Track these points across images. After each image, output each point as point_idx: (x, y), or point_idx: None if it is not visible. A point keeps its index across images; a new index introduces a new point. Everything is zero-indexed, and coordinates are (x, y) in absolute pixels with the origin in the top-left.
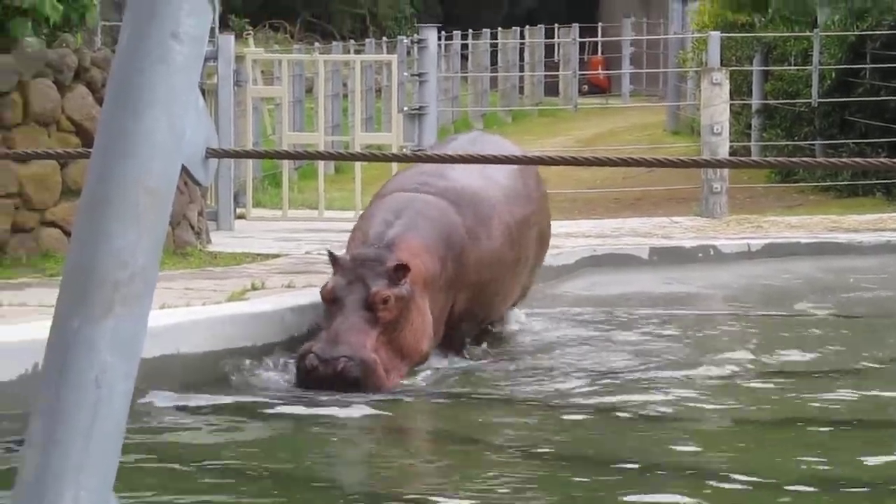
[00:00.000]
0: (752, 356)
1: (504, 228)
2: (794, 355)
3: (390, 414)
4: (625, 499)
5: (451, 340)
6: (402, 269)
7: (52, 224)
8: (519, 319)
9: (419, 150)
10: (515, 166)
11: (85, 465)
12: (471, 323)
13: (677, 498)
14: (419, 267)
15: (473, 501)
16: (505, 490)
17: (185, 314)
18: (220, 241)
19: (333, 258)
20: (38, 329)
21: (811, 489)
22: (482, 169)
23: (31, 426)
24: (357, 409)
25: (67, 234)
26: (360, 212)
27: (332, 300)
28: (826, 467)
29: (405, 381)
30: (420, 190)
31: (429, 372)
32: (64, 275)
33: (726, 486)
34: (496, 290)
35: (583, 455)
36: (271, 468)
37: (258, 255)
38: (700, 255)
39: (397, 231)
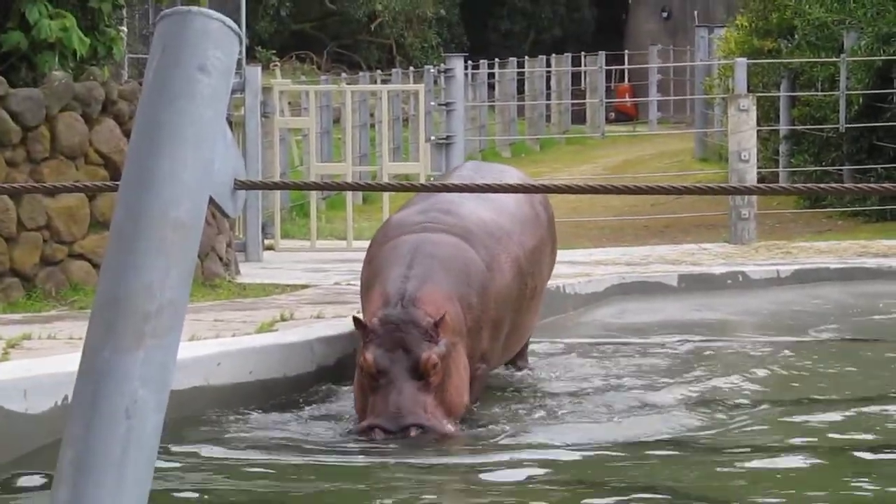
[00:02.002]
0: (783, 382)
1: (516, 260)
2: (825, 381)
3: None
4: None
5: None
6: (440, 324)
7: (81, 257)
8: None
9: (445, 181)
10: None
11: (116, 496)
12: (489, 364)
13: None
14: (445, 319)
15: None
16: None
17: (216, 346)
18: (249, 273)
19: (361, 325)
20: (68, 362)
21: None
22: (488, 198)
23: (61, 458)
24: None
25: (96, 266)
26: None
27: (377, 372)
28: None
29: None
30: (427, 229)
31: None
32: (94, 307)
33: None
34: (514, 326)
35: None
36: None
37: (287, 285)
38: (729, 281)
39: (415, 284)
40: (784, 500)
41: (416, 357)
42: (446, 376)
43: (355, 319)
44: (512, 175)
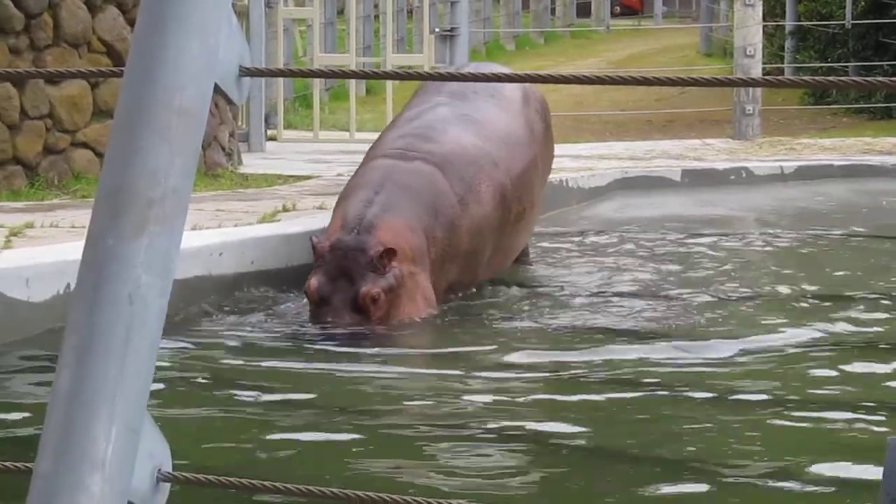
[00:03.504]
0: (788, 280)
1: (499, 188)
2: (827, 277)
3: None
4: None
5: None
6: (387, 255)
7: (84, 145)
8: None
9: (451, 69)
10: (517, 104)
11: (119, 381)
12: (467, 286)
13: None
14: (404, 247)
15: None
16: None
17: (218, 235)
18: (252, 163)
19: (313, 247)
20: (71, 249)
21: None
22: (475, 117)
23: (64, 343)
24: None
25: (99, 155)
26: None
27: (318, 300)
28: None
29: None
30: (403, 156)
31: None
32: (98, 194)
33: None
34: (498, 249)
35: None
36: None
37: (289, 176)
38: (732, 177)
39: (376, 211)
40: (771, 388)
41: (357, 289)
42: (394, 308)
43: (311, 241)
44: None
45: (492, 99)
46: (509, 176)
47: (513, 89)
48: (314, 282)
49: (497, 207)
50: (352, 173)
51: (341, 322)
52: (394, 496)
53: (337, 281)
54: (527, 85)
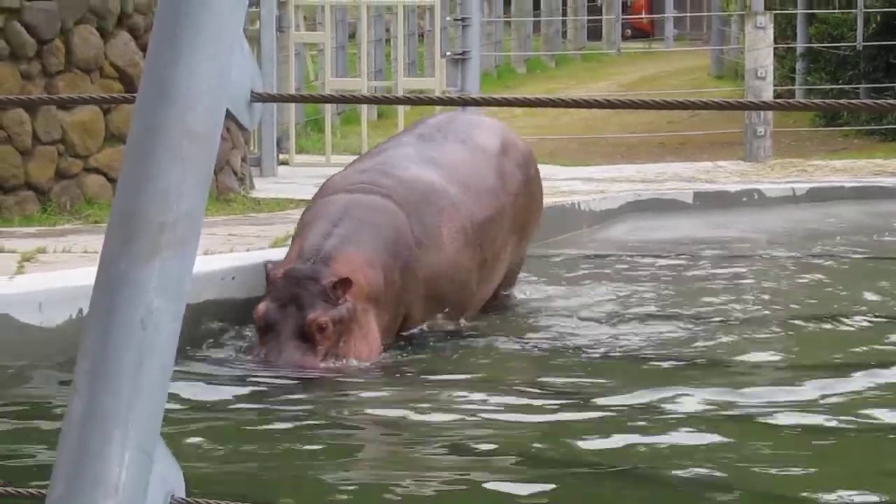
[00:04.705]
0: (800, 302)
1: (460, 231)
2: (840, 299)
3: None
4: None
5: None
6: (341, 286)
7: (96, 171)
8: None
9: (462, 94)
10: (490, 151)
11: (132, 406)
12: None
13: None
14: (360, 282)
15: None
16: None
17: (230, 260)
18: (264, 187)
19: (267, 274)
20: (83, 275)
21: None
22: (440, 160)
23: (77, 369)
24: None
25: (111, 180)
26: None
27: (264, 326)
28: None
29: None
30: (363, 189)
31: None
32: (110, 218)
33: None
34: (458, 299)
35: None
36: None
37: (301, 200)
38: (744, 199)
39: (334, 242)
40: (794, 410)
41: (304, 316)
42: (343, 342)
43: (265, 268)
44: (487, 128)
45: (461, 144)
46: (471, 221)
47: (489, 137)
48: (262, 307)
49: (458, 251)
50: None
51: (285, 349)
52: None
53: (286, 308)
54: (510, 136)
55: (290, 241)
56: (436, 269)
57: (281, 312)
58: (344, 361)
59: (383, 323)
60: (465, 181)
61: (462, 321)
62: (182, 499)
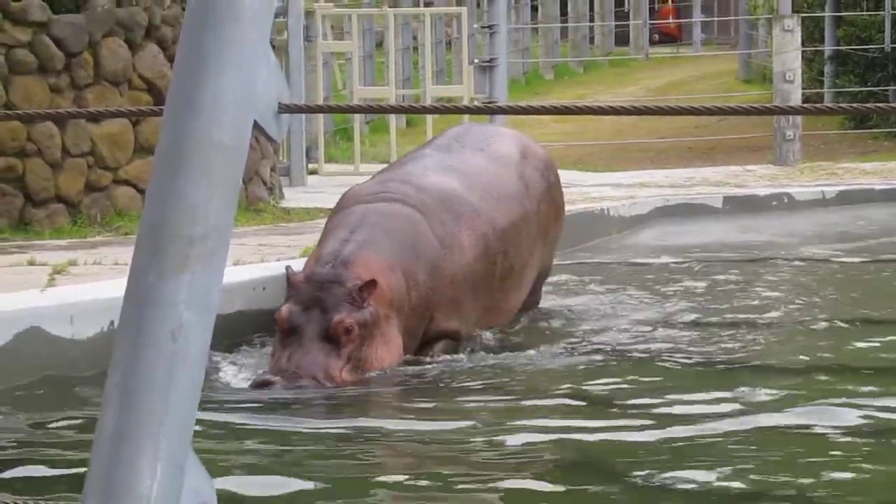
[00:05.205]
0: (834, 305)
1: (481, 238)
2: (872, 302)
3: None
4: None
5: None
6: (367, 289)
7: (126, 182)
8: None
9: (490, 101)
10: (510, 159)
11: (164, 419)
12: (451, 342)
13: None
14: (381, 286)
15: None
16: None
17: (261, 270)
18: (293, 197)
19: (288, 278)
20: (114, 287)
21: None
22: (459, 168)
23: (108, 382)
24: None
25: (140, 192)
26: None
27: (288, 329)
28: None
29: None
30: (381, 199)
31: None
32: (139, 232)
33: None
34: (488, 308)
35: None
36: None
37: (331, 209)
38: (774, 203)
39: (352, 248)
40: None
41: (330, 318)
42: (366, 346)
43: (287, 272)
44: (505, 136)
45: (480, 152)
46: (493, 227)
47: (508, 145)
48: (285, 310)
49: (480, 258)
50: None
51: (308, 352)
52: None
53: (310, 310)
54: (528, 143)
55: None
56: (458, 272)
57: (305, 315)
58: (366, 366)
59: (408, 327)
60: (486, 188)
61: (488, 333)
62: None
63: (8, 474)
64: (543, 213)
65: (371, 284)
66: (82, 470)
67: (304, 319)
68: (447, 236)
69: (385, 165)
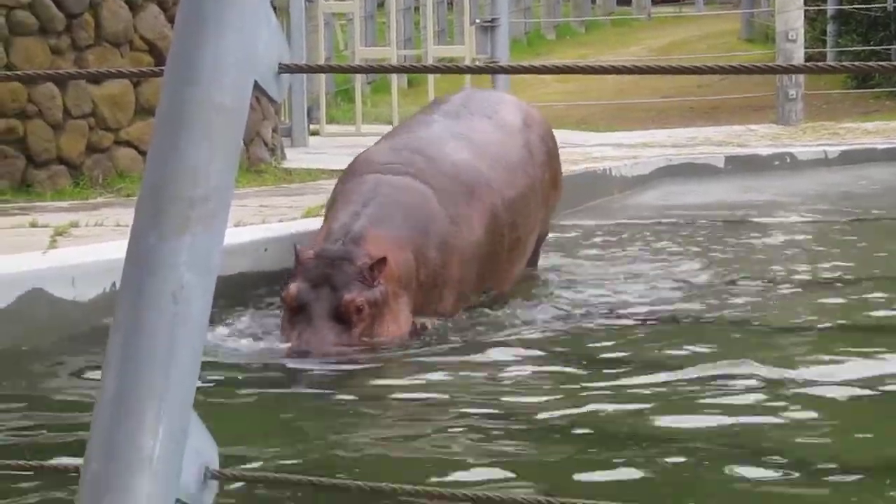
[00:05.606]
0: (837, 265)
1: (491, 211)
2: (876, 262)
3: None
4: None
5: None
6: (377, 266)
7: (127, 144)
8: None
9: (492, 61)
10: (515, 126)
11: (166, 380)
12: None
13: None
14: (390, 264)
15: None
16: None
17: (263, 231)
18: (295, 158)
19: (296, 255)
20: (116, 248)
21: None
22: (471, 137)
23: (109, 344)
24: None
25: (142, 153)
26: None
27: (296, 307)
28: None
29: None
30: (394, 170)
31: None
32: (140, 193)
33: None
34: (490, 279)
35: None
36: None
37: (333, 170)
38: (776, 162)
39: (364, 223)
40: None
41: (340, 297)
42: (376, 325)
43: (295, 249)
44: (508, 103)
45: (488, 120)
46: (503, 199)
47: (512, 112)
48: (293, 288)
49: (488, 233)
50: None
51: (319, 331)
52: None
53: (320, 288)
54: (529, 109)
55: (322, 212)
56: (467, 249)
57: (314, 293)
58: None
59: (415, 304)
60: (494, 157)
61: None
62: (217, 471)
63: (10, 438)
64: (546, 181)
65: (382, 262)
66: (84, 433)
67: (313, 297)
68: (458, 214)
69: (387, 126)
